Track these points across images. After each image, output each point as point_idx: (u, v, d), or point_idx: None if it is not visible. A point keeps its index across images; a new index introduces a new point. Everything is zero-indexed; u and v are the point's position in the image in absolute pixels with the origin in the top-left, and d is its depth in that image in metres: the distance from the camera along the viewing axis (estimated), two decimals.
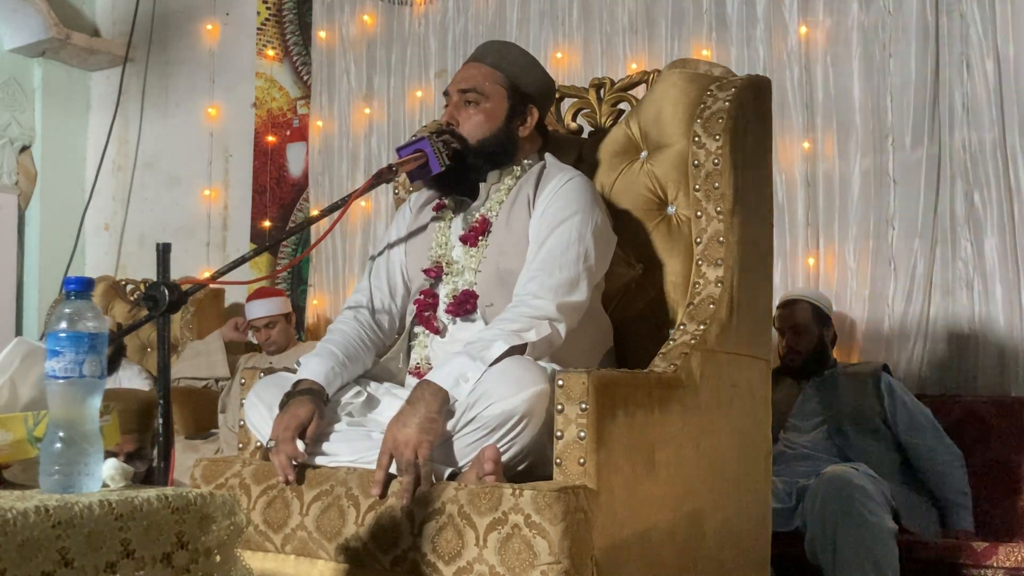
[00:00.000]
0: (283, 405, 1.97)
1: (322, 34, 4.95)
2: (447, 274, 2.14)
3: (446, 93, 2.20)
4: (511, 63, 2.19)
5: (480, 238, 2.12)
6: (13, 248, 5.53)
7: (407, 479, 1.76)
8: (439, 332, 2.12)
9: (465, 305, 2.09)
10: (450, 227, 2.19)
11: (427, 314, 2.14)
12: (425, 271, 2.17)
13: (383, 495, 1.80)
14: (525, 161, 2.20)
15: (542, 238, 2.05)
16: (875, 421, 3.11)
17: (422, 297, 2.16)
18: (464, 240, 2.14)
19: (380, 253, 2.32)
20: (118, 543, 1.16)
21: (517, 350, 1.87)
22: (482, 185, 2.17)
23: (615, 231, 2.19)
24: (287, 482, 1.91)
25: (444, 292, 2.14)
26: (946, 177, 3.47)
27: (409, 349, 2.21)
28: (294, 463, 1.93)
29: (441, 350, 2.10)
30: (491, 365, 1.83)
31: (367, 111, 4.79)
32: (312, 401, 1.95)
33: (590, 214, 2.07)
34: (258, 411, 2.06)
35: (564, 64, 4.24)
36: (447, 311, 2.11)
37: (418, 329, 2.18)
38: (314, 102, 4.95)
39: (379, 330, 2.23)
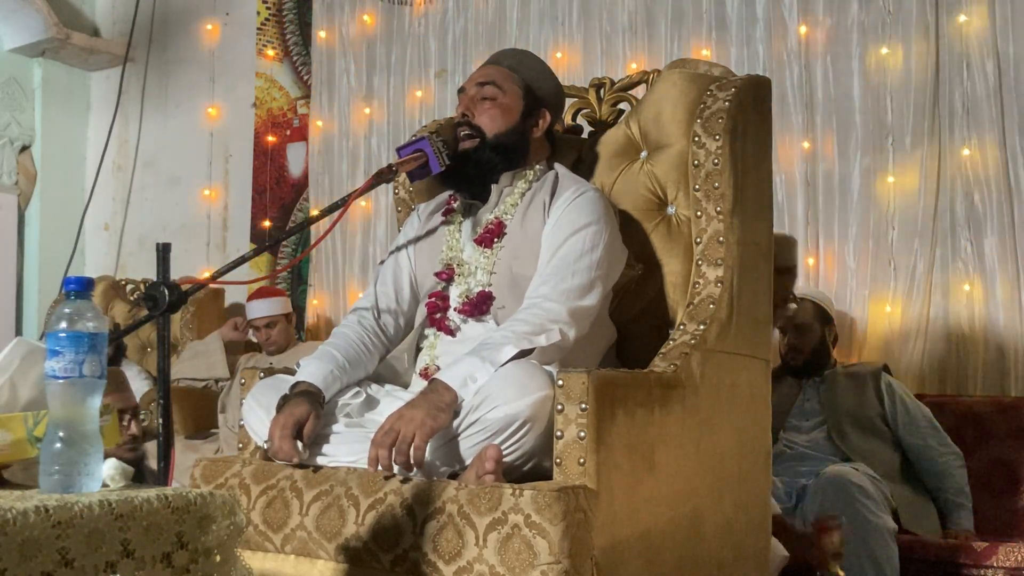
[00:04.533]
0: (280, 408, 1.97)
1: (322, 34, 4.95)
2: (459, 275, 2.14)
3: (461, 90, 2.21)
4: (528, 68, 2.23)
5: (495, 240, 2.13)
6: (13, 248, 5.52)
7: (400, 458, 1.76)
8: (451, 332, 2.12)
9: (480, 306, 2.09)
10: (460, 230, 2.19)
11: (438, 315, 2.14)
12: (437, 274, 2.17)
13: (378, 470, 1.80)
14: (537, 166, 2.20)
15: (556, 245, 2.06)
16: (875, 421, 3.11)
17: (433, 299, 2.16)
18: (479, 242, 2.13)
19: (387, 259, 2.31)
20: (118, 543, 1.16)
21: (525, 353, 1.87)
22: (494, 187, 2.18)
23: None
24: (296, 464, 1.92)
25: (456, 293, 2.13)
26: (946, 177, 3.46)
27: (418, 351, 2.20)
28: (293, 462, 1.93)
29: (451, 351, 2.10)
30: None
31: (367, 111, 4.79)
32: (308, 402, 1.95)
33: (605, 226, 2.08)
34: (255, 414, 2.07)
35: (564, 64, 4.24)
36: (459, 311, 2.11)
37: (428, 331, 2.17)
38: (314, 102, 4.95)
39: (383, 335, 2.22)
